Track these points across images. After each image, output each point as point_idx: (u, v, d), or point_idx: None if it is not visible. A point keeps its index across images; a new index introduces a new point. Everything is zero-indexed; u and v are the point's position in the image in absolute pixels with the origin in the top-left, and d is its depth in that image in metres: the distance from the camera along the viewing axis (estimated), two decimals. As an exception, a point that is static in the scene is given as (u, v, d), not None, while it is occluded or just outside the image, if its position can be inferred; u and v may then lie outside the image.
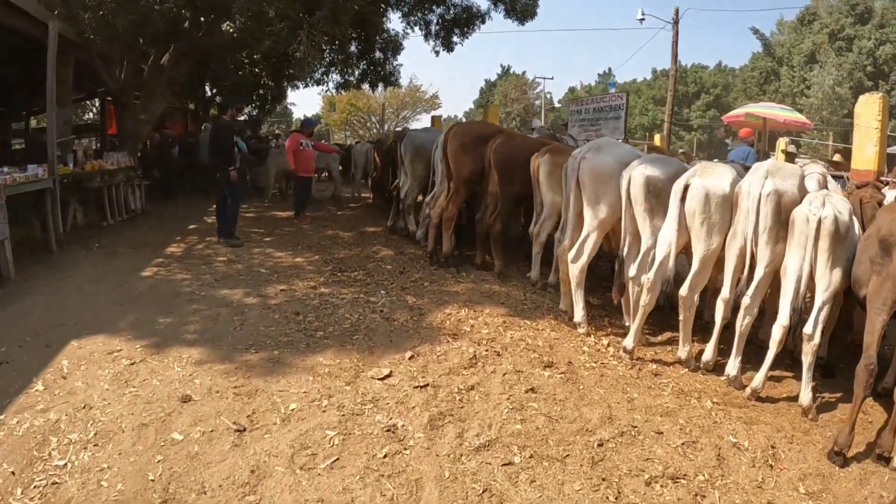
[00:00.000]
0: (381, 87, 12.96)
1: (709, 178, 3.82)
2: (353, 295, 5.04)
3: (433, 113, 48.46)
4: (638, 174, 4.02)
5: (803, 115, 16.64)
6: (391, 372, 3.57)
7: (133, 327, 4.14)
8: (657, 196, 4.00)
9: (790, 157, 9.70)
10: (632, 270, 4.10)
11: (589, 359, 3.98)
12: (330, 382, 3.43)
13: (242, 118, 19.66)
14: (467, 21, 12.13)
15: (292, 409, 3.12)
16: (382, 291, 5.17)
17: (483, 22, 12.33)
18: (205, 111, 18.00)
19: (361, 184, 13.11)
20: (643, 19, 22.34)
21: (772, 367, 3.65)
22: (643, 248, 4.07)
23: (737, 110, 14.33)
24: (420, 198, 7.35)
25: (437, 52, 12.58)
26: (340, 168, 13.40)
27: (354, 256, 6.61)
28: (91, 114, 22.97)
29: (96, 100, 16.63)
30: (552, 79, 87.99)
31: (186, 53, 9.71)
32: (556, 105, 57.05)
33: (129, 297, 4.84)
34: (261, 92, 15.45)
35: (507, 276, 5.73)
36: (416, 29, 12.34)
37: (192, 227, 8.67)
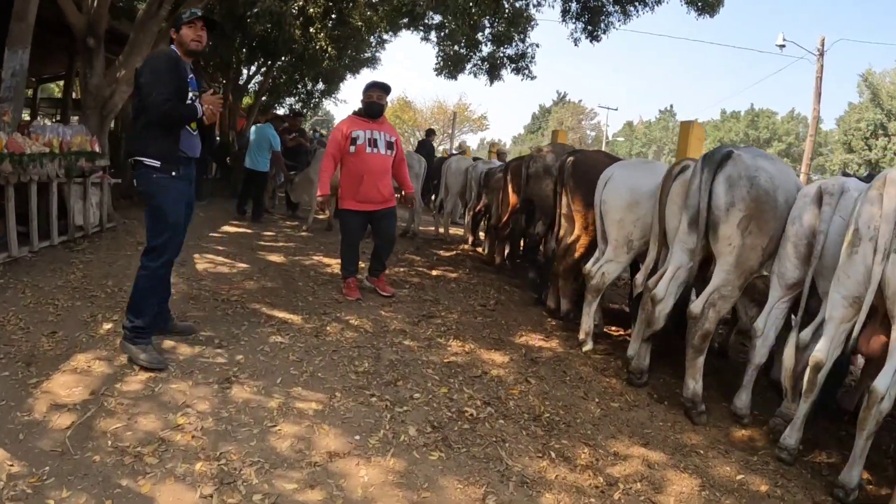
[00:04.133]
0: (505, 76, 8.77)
1: None
2: None
3: (482, 134, 44.66)
4: None
5: None
6: None
7: None
8: None
9: None
10: None
11: None
12: None
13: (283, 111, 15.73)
14: (636, -5, 8.04)
15: None
16: None
17: (658, 2, 8.30)
18: (236, 94, 14.09)
19: (450, 216, 8.81)
20: (784, 45, 18.35)
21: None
22: None
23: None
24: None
25: (575, 41, 8.64)
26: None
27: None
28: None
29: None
30: (616, 110, 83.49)
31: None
32: (613, 139, 52.80)
33: None
34: (312, 77, 11.47)
35: None
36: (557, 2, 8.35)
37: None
